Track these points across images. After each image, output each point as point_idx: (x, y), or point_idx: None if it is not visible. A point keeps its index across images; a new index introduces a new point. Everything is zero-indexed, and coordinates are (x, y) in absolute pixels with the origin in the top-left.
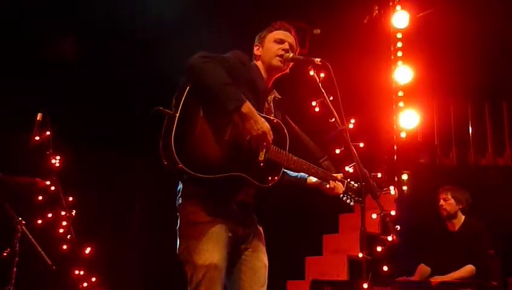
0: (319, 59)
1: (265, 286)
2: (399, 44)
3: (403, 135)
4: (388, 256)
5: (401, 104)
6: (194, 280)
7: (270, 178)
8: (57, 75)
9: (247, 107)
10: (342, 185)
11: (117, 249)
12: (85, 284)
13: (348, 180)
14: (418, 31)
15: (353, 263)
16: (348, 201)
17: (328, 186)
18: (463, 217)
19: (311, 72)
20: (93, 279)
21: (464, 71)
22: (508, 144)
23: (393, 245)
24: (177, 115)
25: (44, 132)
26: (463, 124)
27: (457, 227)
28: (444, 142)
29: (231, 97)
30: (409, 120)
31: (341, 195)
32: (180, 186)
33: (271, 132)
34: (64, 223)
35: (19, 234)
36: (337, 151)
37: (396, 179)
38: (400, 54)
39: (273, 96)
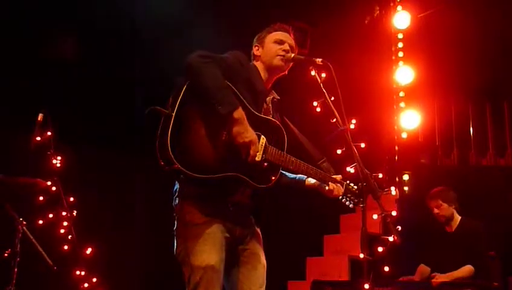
0: (320, 59)
1: (264, 286)
2: (400, 44)
3: (404, 135)
4: (389, 256)
5: (402, 104)
6: (192, 282)
7: (267, 179)
8: (57, 75)
9: (239, 113)
10: (341, 187)
11: (118, 250)
12: (86, 285)
13: (348, 182)
14: (419, 31)
15: (354, 263)
16: (348, 203)
17: (327, 188)
18: (459, 217)
19: (313, 73)
20: (94, 279)
21: (465, 71)
22: (509, 144)
23: (394, 246)
24: (174, 114)
25: (45, 133)
26: (464, 125)
27: (454, 227)
28: (445, 142)
29: (225, 101)
30: (410, 120)
31: (340, 197)
32: (177, 186)
33: (257, 144)
34: (65, 223)
35: (20, 235)
36: (339, 151)
37: (397, 179)
38: (401, 54)
39: (272, 97)
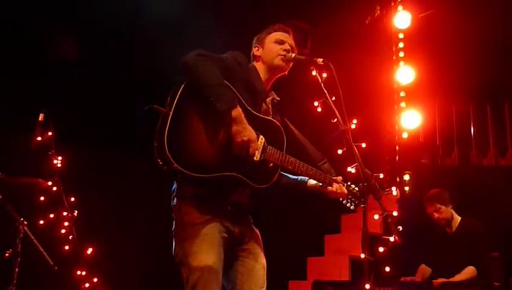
0: (321, 59)
1: (265, 287)
2: (401, 44)
3: (405, 135)
4: (390, 256)
5: (403, 104)
6: (190, 282)
7: (266, 179)
8: (57, 75)
9: (237, 112)
10: (343, 188)
11: (118, 250)
12: (87, 285)
13: (349, 183)
14: (419, 31)
15: (355, 263)
16: (348, 205)
17: (328, 189)
18: (459, 217)
19: (314, 72)
20: (95, 279)
21: (466, 71)
22: (510, 144)
23: (395, 246)
24: (171, 113)
25: (46, 133)
26: (465, 125)
27: (454, 228)
28: (446, 142)
29: (223, 98)
30: (410, 120)
31: (341, 199)
32: (175, 186)
33: (256, 142)
34: (66, 223)
35: (21, 235)
36: (339, 151)
37: (398, 179)
38: (401, 54)
39: (272, 98)
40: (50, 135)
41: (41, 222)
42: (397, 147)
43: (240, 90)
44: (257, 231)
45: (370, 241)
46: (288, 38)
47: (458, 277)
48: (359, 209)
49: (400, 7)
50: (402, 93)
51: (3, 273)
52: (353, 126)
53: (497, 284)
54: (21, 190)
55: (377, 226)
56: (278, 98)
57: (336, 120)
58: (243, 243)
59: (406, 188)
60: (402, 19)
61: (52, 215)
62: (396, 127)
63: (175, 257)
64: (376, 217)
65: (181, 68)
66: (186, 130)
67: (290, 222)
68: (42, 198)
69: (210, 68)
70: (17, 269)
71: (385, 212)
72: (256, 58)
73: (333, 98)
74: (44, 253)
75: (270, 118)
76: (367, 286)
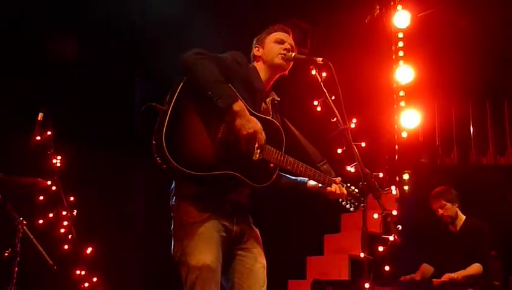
0: (320, 58)
1: (265, 286)
2: (400, 44)
3: (404, 134)
4: (390, 256)
5: (402, 103)
6: (188, 281)
7: (264, 178)
8: (57, 75)
9: (239, 105)
10: (343, 189)
11: (118, 249)
12: (86, 284)
13: (348, 185)
14: (419, 30)
15: (354, 262)
16: (348, 206)
17: (328, 189)
18: (463, 216)
19: (313, 72)
20: (94, 279)
21: (465, 71)
22: (509, 143)
23: (394, 245)
24: (169, 111)
25: (45, 132)
26: (464, 124)
27: (458, 227)
28: (445, 141)
29: (223, 94)
30: (410, 120)
31: (341, 200)
32: (174, 185)
33: (263, 133)
34: (65, 223)
35: (20, 234)
36: (339, 150)
37: (397, 178)
38: (401, 53)
39: (272, 98)
40: (49, 135)
41: (41, 221)
42: (397, 147)
43: (239, 90)
44: (257, 231)
45: (369, 241)
46: (288, 38)
47: (464, 272)
48: (359, 208)
49: (399, 6)
50: (401, 93)
51: (3, 272)
52: (353, 125)
53: (497, 283)
54: (20, 189)
55: (376, 226)
56: (278, 99)
57: (335, 119)
58: (242, 243)
59: (406, 188)
60: (401, 19)
61: (51, 215)
62: (396, 126)
63: (174, 257)
64: (375, 216)
65: (180, 67)
66: (184, 128)
67: (289, 222)
68: (41, 197)
69: (209, 66)
70: (16, 269)
71: (385, 212)
72: (257, 58)
73: (333, 98)
74: (44, 252)
75: (269, 117)
76: (366, 285)
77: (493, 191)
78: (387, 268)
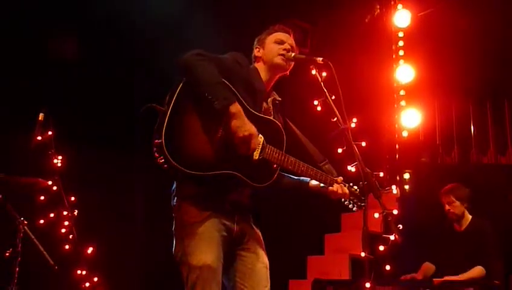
0: (321, 58)
1: (269, 286)
2: (400, 43)
3: (405, 134)
4: (390, 255)
5: (402, 103)
6: (189, 281)
7: (265, 178)
8: (57, 75)
9: (236, 107)
10: (345, 188)
11: (118, 249)
12: (87, 284)
13: (351, 184)
14: (419, 29)
15: (355, 262)
16: (351, 206)
17: (330, 189)
18: (470, 216)
19: (313, 72)
20: (95, 279)
21: (466, 70)
22: (510, 142)
23: (395, 244)
24: (169, 111)
25: (46, 132)
26: (465, 123)
27: (464, 227)
28: (445, 141)
29: (220, 96)
30: (410, 119)
31: (343, 200)
32: (175, 185)
33: (257, 137)
34: (66, 223)
35: (21, 234)
36: (339, 150)
37: (398, 178)
38: (401, 53)
39: (272, 98)
40: (50, 135)
41: (42, 221)
42: (397, 146)
43: (239, 90)
44: (258, 231)
45: (370, 240)
46: (289, 39)
47: (466, 275)
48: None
49: (399, 6)
50: (402, 92)
51: (4, 272)
52: (353, 125)
53: (497, 282)
54: (21, 189)
55: (377, 225)
56: (280, 99)
57: (335, 119)
58: (244, 243)
59: (406, 187)
60: (402, 18)
61: (52, 215)
62: (396, 125)
63: (175, 256)
64: (376, 215)
65: (179, 67)
66: (184, 128)
67: (290, 221)
68: (42, 197)
69: (207, 67)
70: (17, 269)
71: (385, 211)
72: (257, 59)
73: (333, 97)
74: (45, 252)
75: (270, 117)
76: (367, 285)
77: (494, 191)
78: (388, 267)
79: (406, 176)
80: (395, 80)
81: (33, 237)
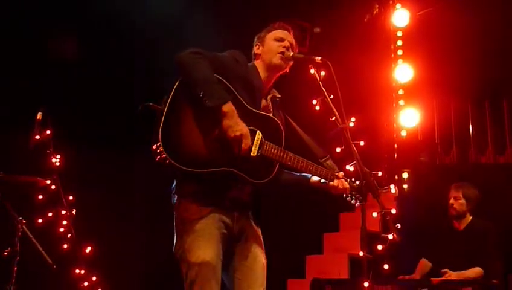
0: (319, 57)
1: (264, 285)
2: (399, 42)
3: (404, 133)
4: (389, 254)
5: (401, 102)
6: (188, 278)
7: (264, 175)
8: (57, 75)
9: (228, 107)
10: (345, 183)
11: (117, 249)
12: (85, 284)
13: (353, 179)
14: (418, 29)
15: (354, 261)
16: (353, 201)
17: (331, 184)
18: (470, 217)
19: (312, 71)
20: (94, 278)
21: (464, 69)
22: (508, 142)
23: (394, 244)
24: (165, 109)
25: (44, 131)
26: (463, 123)
27: (463, 226)
28: (444, 140)
29: (214, 95)
30: (409, 118)
31: (344, 195)
32: (175, 184)
33: (249, 138)
34: (64, 222)
35: (20, 233)
36: (338, 149)
37: (396, 177)
38: (400, 52)
39: (272, 95)
40: (48, 134)
41: (40, 220)
42: (396, 145)
43: (237, 87)
44: (258, 229)
45: (369, 239)
46: (288, 36)
47: (466, 273)
48: (358, 207)
49: (398, 5)
50: (400, 92)
51: (2, 272)
52: (351, 124)
53: (495, 281)
54: (19, 188)
55: (375, 224)
56: (279, 96)
57: (334, 118)
58: (243, 241)
59: (405, 186)
60: (400, 17)
61: (50, 214)
62: (395, 125)
63: (175, 254)
64: (375, 215)
65: (174, 65)
66: (181, 126)
67: (288, 220)
68: (41, 197)
69: (202, 65)
70: (15, 268)
71: (384, 210)
72: (257, 56)
73: (331, 97)
74: (43, 252)
75: (268, 114)
76: (366, 284)
77: (492, 190)
78: (386, 267)
79: (405, 175)
80: (394, 79)
81: (31, 236)
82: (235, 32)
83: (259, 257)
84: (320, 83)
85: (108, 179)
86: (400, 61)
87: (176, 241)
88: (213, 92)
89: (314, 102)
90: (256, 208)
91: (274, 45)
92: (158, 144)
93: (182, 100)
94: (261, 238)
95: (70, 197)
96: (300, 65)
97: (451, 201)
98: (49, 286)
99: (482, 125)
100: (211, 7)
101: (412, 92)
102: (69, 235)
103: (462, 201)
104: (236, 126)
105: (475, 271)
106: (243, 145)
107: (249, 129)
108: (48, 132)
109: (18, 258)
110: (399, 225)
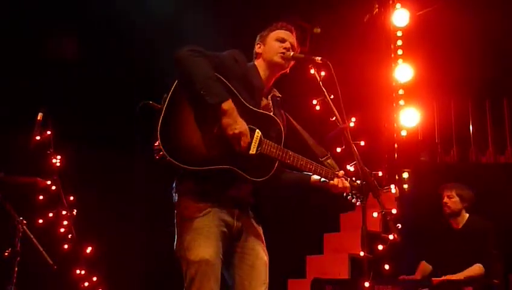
0: (319, 58)
1: (267, 283)
2: (399, 42)
3: (404, 133)
4: (389, 255)
5: (401, 102)
6: (188, 276)
7: (263, 173)
8: (57, 75)
9: (228, 104)
10: (346, 182)
11: (118, 249)
12: (86, 284)
13: (353, 178)
14: (418, 29)
15: (354, 261)
16: (354, 200)
17: (331, 183)
18: (467, 215)
19: (312, 71)
20: (94, 278)
21: (465, 69)
22: (508, 141)
23: (394, 244)
24: (164, 107)
25: (45, 132)
26: (464, 122)
27: (460, 225)
28: (444, 140)
29: (213, 92)
30: (409, 118)
31: (345, 194)
32: (175, 182)
33: (248, 135)
34: (65, 222)
35: (20, 234)
36: (338, 149)
37: (397, 177)
38: (400, 52)
39: (272, 94)
40: (49, 134)
41: (41, 221)
42: (396, 145)
43: (236, 86)
44: (259, 228)
45: (369, 240)
46: (290, 37)
47: (464, 273)
48: (358, 207)
49: (398, 5)
50: (401, 91)
51: (3, 272)
52: (352, 124)
53: (496, 281)
54: (20, 189)
55: (376, 224)
56: (280, 95)
57: (334, 118)
58: (244, 239)
59: (405, 186)
60: (400, 17)
61: (51, 215)
62: (395, 125)
63: (175, 252)
64: (375, 215)
65: (173, 62)
66: (179, 124)
67: (289, 220)
68: (41, 197)
69: (201, 63)
70: (16, 269)
71: (384, 210)
72: (258, 55)
73: (332, 97)
74: (44, 252)
75: (268, 112)
76: (366, 284)
77: (493, 190)
78: (387, 267)
79: (405, 175)
80: (394, 79)
81: (32, 236)
82: (235, 32)
83: (261, 255)
84: (321, 83)
85: (108, 179)
86: (400, 61)
87: (176, 239)
88: (213, 90)
89: (315, 102)
90: (257, 207)
91: (275, 45)
92: (157, 142)
93: (181, 98)
94: (262, 236)
95: (71, 198)
96: (301, 65)
97: (445, 200)
98: (49, 287)
99: (483, 124)
100: (211, 7)
101: (412, 92)
102: (69, 236)
103: (456, 199)
104: (235, 124)
105: (475, 269)
106: (241, 142)
107: (248, 127)
108: (49, 132)
109: (19, 258)
110: (399, 225)
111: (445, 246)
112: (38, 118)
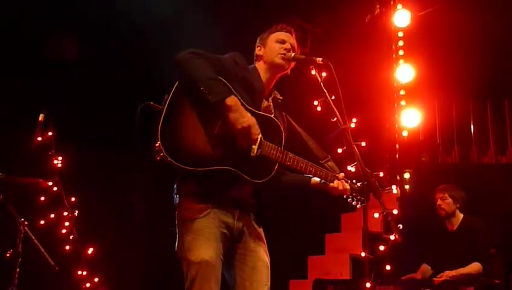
0: (320, 58)
1: (269, 284)
2: (400, 43)
3: (405, 133)
4: (391, 255)
5: (403, 102)
6: (189, 277)
7: (263, 174)
8: (57, 75)
9: (233, 100)
10: (346, 184)
11: (119, 250)
12: (88, 285)
13: (354, 181)
14: (419, 29)
15: (355, 262)
16: (354, 203)
17: (331, 185)
18: (461, 215)
19: (313, 72)
20: (96, 279)
21: (466, 69)
22: (510, 142)
23: (395, 244)
24: (165, 108)
25: (46, 133)
26: (465, 122)
27: (455, 226)
28: (446, 140)
29: (215, 91)
30: (410, 119)
31: (345, 196)
32: (176, 183)
33: (257, 127)
34: (66, 223)
35: (22, 235)
36: (339, 150)
37: (398, 177)
38: (401, 52)
39: (273, 96)
40: (50, 135)
41: (42, 222)
42: (397, 146)
43: (237, 88)
44: (260, 229)
45: (370, 240)
46: (290, 38)
47: (464, 270)
48: (359, 207)
49: (399, 5)
50: (402, 92)
51: (5, 273)
52: (353, 125)
53: (497, 281)
54: (21, 190)
55: (377, 225)
56: (281, 98)
57: (335, 119)
58: (244, 241)
59: (406, 187)
60: (401, 18)
61: (52, 216)
62: (397, 125)
63: (177, 253)
64: (376, 215)
65: (174, 65)
66: (180, 125)
67: (290, 221)
68: (43, 198)
69: (202, 64)
70: (18, 270)
71: (385, 211)
72: (258, 57)
73: (333, 97)
74: (45, 253)
75: (268, 114)
76: (368, 285)
77: (494, 190)
78: (388, 267)
79: (406, 175)
80: (395, 79)
81: (33, 237)
82: (235, 32)
83: (262, 256)
84: (322, 83)
85: (109, 180)
86: (401, 61)
87: (177, 240)
88: (214, 88)
89: (316, 103)
90: (258, 208)
91: (276, 47)
92: (157, 143)
93: (182, 99)
94: (264, 238)
95: (72, 199)
96: (302, 66)
97: (439, 202)
98: (51, 288)
99: (484, 125)
100: (211, 7)
101: (413, 92)
102: (71, 237)
103: (449, 200)
104: (243, 118)
105: (473, 267)
106: (252, 135)
107: None
108: (50, 133)
109: (20, 259)
110: (401, 226)
111: (442, 247)
112: (40, 119)
